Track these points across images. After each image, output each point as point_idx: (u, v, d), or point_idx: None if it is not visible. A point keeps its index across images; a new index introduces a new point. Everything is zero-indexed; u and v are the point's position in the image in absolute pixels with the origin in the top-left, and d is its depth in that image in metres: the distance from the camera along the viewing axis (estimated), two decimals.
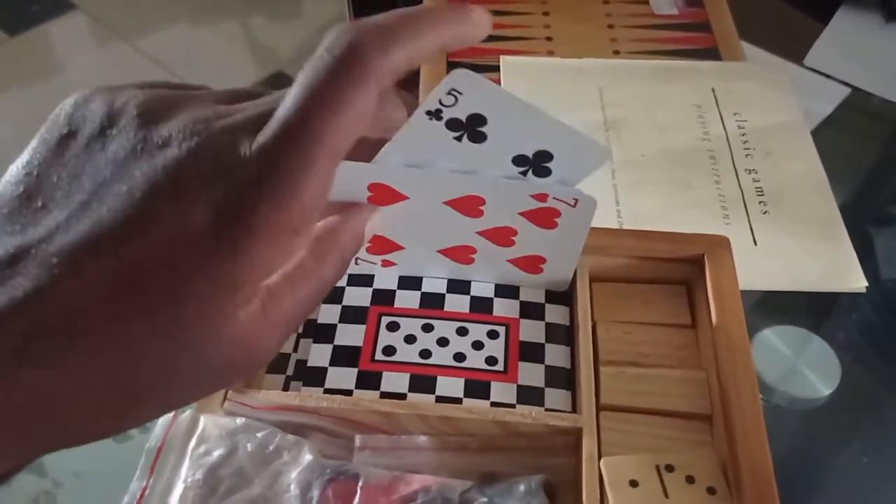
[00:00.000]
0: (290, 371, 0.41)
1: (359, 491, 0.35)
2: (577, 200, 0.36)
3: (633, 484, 0.35)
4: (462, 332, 0.42)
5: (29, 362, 0.20)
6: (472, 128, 0.30)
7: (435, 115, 0.29)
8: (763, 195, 0.56)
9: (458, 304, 0.44)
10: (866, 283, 0.51)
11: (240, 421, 0.37)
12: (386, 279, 0.44)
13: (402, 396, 0.40)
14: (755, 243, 0.53)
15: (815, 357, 0.47)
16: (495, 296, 0.44)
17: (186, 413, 0.37)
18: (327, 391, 0.39)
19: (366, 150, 0.29)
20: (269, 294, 0.23)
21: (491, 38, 0.68)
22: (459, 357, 0.41)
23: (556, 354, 0.42)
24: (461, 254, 0.41)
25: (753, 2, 0.74)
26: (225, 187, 0.21)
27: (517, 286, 0.44)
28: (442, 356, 0.41)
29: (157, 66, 1.77)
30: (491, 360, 0.41)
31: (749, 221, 0.54)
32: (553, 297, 0.44)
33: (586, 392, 0.39)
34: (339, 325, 0.42)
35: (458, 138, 0.30)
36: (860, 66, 0.68)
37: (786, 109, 0.62)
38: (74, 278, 0.20)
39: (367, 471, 0.36)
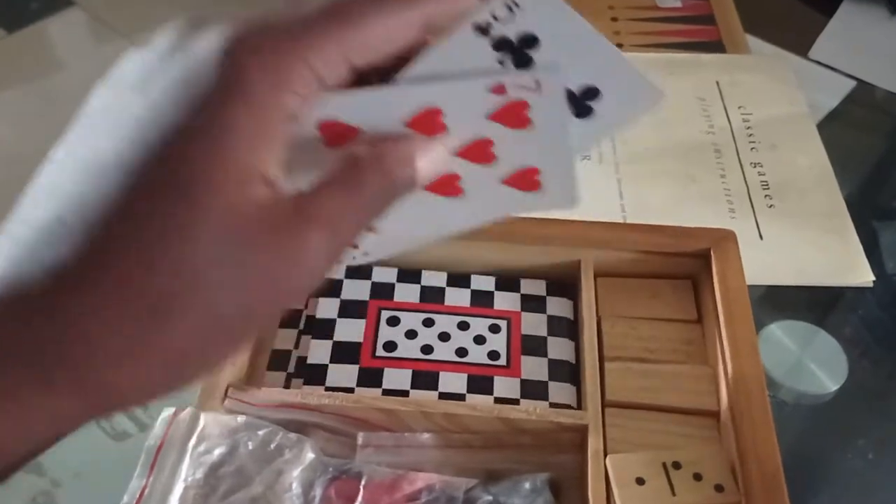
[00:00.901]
0: (290, 368, 0.41)
1: (361, 489, 0.35)
2: (538, 82, 0.30)
3: (640, 481, 0.35)
4: (463, 326, 0.42)
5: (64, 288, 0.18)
6: (520, 51, 0.27)
7: (483, 30, 0.26)
8: (768, 189, 0.55)
9: (458, 297, 0.43)
10: (873, 277, 0.50)
11: (241, 419, 0.37)
12: (385, 272, 0.44)
13: (404, 393, 0.39)
14: (761, 237, 0.52)
15: (822, 352, 0.47)
16: (496, 289, 0.43)
17: (187, 411, 0.37)
18: (328, 389, 0.39)
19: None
20: (301, 190, 0.21)
21: None
22: (461, 352, 0.41)
23: (558, 348, 0.41)
24: (446, 185, 0.35)
25: None
26: None
27: (518, 278, 0.43)
28: (444, 351, 0.41)
29: None
30: (493, 355, 0.41)
31: (755, 215, 0.54)
32: (554, 289, 0.44)
33: (591, 388, 0.38)
34: (339, 320, 0.42)
35: (501, 61, 0.27)
36: (865, 58, 0.67)
37: (791, 102, 0.62)
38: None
39: (371, 469, 0.35)
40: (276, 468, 0.35)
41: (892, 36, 0.70)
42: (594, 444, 0.36)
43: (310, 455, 0.35)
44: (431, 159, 0.26)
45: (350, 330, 0.41)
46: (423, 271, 0.44)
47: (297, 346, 0.41)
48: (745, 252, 0.43)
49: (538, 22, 0.26)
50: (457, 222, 0.36)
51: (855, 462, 0.45)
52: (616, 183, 0.56)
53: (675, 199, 0.55)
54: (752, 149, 0.58)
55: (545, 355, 0.41)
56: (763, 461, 0.35)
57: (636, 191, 0.55)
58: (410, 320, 0.42)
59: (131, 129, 0.20)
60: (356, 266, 0.43)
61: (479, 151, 0.32)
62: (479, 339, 0.41)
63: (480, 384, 0.40)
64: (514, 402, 0.39)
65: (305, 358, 0.40)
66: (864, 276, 0.51)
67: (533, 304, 0.43)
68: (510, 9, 0.25)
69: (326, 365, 0.40)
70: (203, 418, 0.37)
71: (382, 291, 0.43)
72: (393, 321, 0.42)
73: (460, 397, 0.39)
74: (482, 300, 0.43)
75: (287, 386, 0.40)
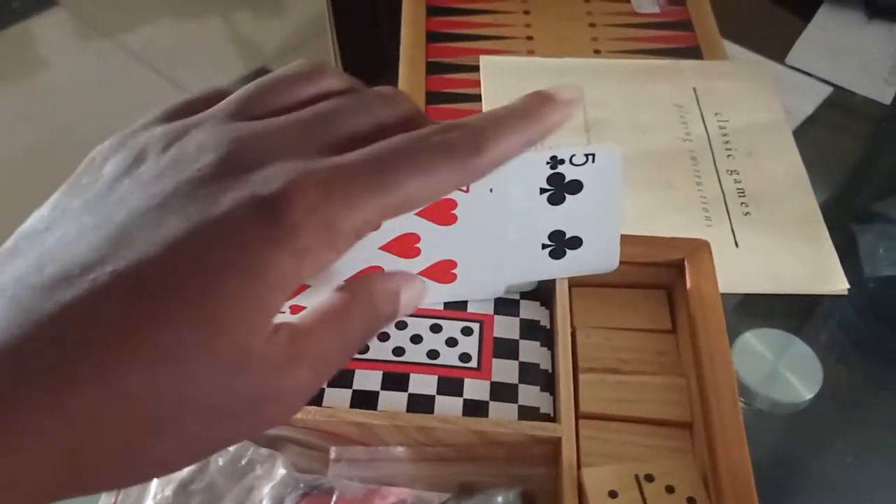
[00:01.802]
0: None
1: None
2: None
3: (613, 495, 0.35)
4: (436, 328, 0.42)
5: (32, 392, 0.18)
6: (563, 189, 0.28)
7: (555, 162, 0.27)
8: (744, 196, 0.56)
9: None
10: (847, 286, 0.51)
11: None
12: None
13: (374, 395, 0.39)
14: (736, 245, 0.53)
15: (797, 360, 0.47)
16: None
17: None
18: None
19: None
20: (294, 326, 0.22)
21: (470, 38, 0.67)
22: (433, 354, 0.41)
23: (530, 351, 0.42)
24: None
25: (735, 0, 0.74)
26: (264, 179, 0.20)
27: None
28: (415, 353, 0.41)
29: (140, 63, 1.75)
30: (464, 357, 0.41)
31: (730, 223, 0.54)
32: (527, 293, 0.44)
33: (566, 400, 0.38)
34: None
35: (543, 190, 0.29)
36: (842, 64, 0.68)
37: (767, 108, 0.62)
38: (80, 289, 0.19)
39: (342, 484, 0.35)
40: (247, 485, 0.35)
41: (870, 42, 0.71)
42: (568, 456, 0.36)
43: (281, 471, 0.35)
44: (413, 294, 0.27)
45: None
46: None
47: None
48: (721, 260, 0.43)
49: (595, 178, 0.28)
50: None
51: (830, 471, 0.45)
52: None
53: (652, 207, 0.55)
54: (728, 156, 0.58)
55: (516, 358, 0.41)
56: (735, 472, 0.35)
57: None
58: None
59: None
60: None
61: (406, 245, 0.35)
62: (451, 342, 0.42)
63: (450, 386, 0.40)
64: (484, 404, 0.39)
65: None
66: (838, 283, 0.51)
67: (506, 307, 0.43)
68: (588, 159, 0.26)
69: None
70: None
71: None
72: None
73: (430, 399, 0.39)
74: (455, 303, 0.43)
75: None
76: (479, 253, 0.38)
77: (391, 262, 0.37)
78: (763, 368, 0.46)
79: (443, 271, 0.40)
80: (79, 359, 0.18)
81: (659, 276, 0.44)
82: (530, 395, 0.40)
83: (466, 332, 0.42)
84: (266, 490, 0.35)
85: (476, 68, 0.64)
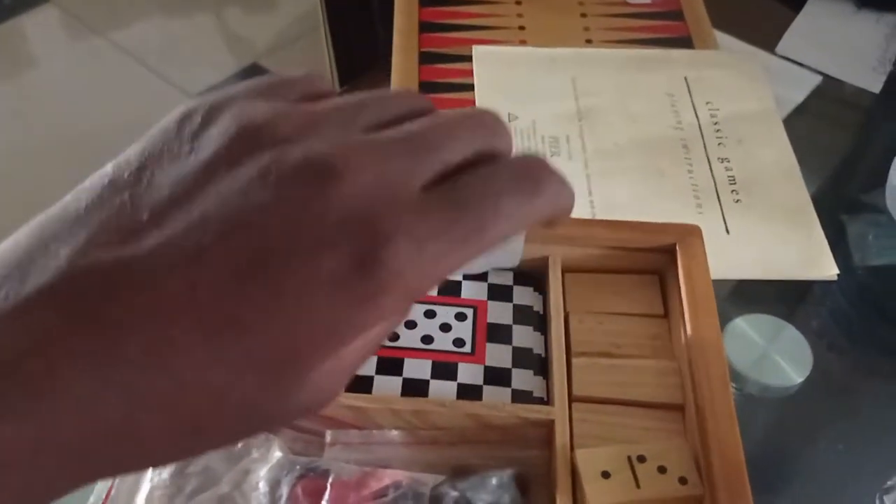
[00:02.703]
0: None
1: (329, 487, 0.35)
2: None
3: (606, 475, 0.35)
4: (430, 314, 0.43)
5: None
6: None
7: None
8: (735, 184, 0.56)
9: None
10: (837, 271, 0.51)
11: None
12: None
13: (369, 379, 0.39)
14: (727, 232, 0.53)
15: (787, 345, 0.47)
16: (463, 278, 0.44)
17: None
18: None
19: None
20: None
21: (463, 28, 0.67)
22: (427, 339, 0.41)
23: (523, 336, 0.42)
24: None
25: None
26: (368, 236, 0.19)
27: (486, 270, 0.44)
28: (409, 338, 0.41)
29: (131, 60, 1.75)
30: (458, 342, 0.41)
31: (721, 210, 0.54)
32: (521, 279, 0.44)
33: (559, 384, 0.39)
34: None
35: None
36: (832, 54, 0.68)
37: (758, 98, 0.62)
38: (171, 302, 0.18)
39: (338, 466, 0.36)
40: (243, 467, 0.35)
41: (859, 31, 0.71)
42: (561, 438, 0.37)
43: (277, 453, 0.35)
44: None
45: None
46: None
47: None
48: (712, 247, 0.43)
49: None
50: None
51: (820, 454, 0.45)
52: (585, 179, 0.56)
53: (644, 195, 0.55)
54: (719, 144, 0.59)
55: (510, 343, 0.42)
56: (726, 454, 0.36)
57: (605, 186, 0.56)
58: None
59: None
60: None
61: None
62: (445, 327, 0.42)
63: (444, 370, 0.40)
64: (478, 388, 0.40)
65: None
66: (828, 269, 0.51)
67: (499, 292, 0.44)
68: None
69: None
70: None
71: None
72: None
73: (424, 383, 0.39)
74: (449, 289, 0.44)
75: None
76: None
77: None
78: (753, 353, 0.47)
79: None
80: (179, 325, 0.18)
81: (651, 262, 0.44)
82: (524, 379, 0.40)
83: (460, 317, 0.42)
84: (262, 473, 0.35)
85: (469, 58, 0.64)
